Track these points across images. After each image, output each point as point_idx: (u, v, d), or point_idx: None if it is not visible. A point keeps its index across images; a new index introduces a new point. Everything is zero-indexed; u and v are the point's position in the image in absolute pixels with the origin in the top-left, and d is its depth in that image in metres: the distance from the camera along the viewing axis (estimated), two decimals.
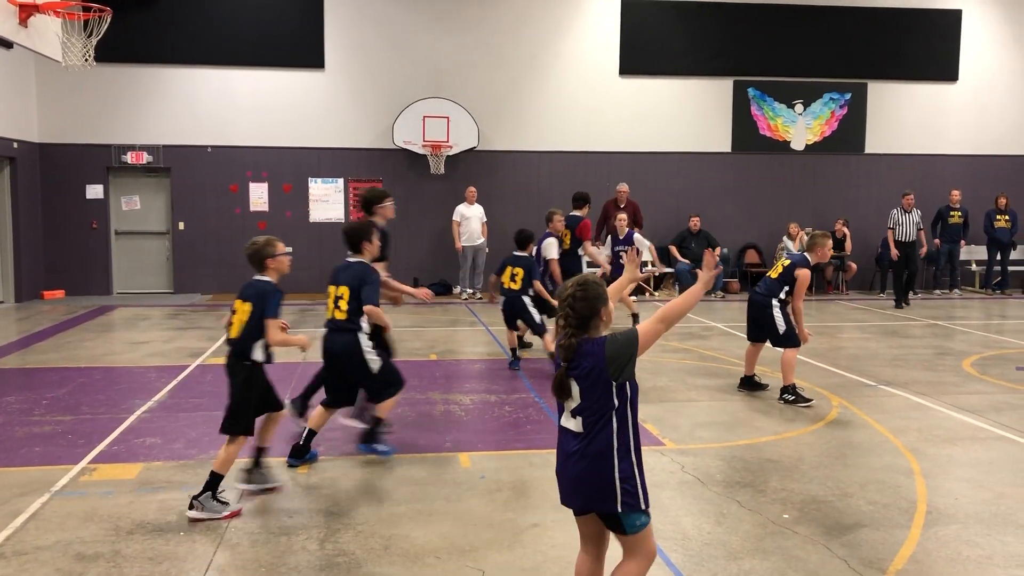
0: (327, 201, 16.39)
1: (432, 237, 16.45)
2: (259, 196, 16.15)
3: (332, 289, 5.88)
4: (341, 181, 16.36)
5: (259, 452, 5.33)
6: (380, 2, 16.14)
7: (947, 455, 6.16)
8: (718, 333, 11.73)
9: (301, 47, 15.98)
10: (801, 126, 17.42)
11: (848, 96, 17.44)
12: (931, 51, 17.49)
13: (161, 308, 14.34)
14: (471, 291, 15.67)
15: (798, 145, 17.46)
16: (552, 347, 8.38)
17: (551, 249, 9.93)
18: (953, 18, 17.46)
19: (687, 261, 16.24)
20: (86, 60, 8.57)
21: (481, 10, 16.38)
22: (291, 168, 16.18)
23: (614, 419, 3.22)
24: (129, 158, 15.74)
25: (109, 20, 8.41)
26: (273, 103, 16.01)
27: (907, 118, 17.59)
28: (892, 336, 11.62)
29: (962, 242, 16.74)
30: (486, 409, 7.50)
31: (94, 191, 15.75)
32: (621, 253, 11.42)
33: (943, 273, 17.17)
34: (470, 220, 15.63)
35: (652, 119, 16.90)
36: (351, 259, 5.95)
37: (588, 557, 3.46)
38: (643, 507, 3.27)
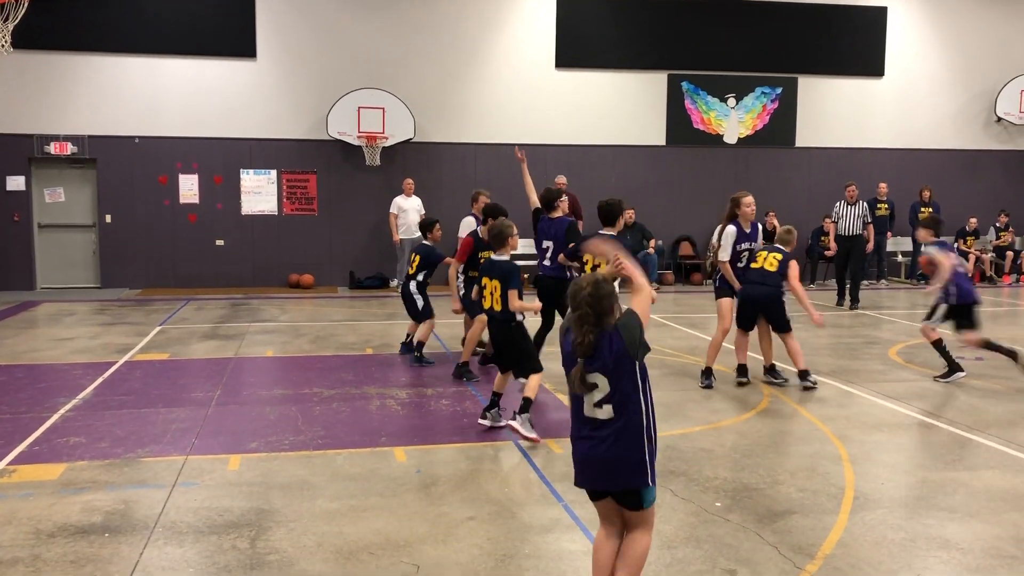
0: (260, 193, 16.09)
1: (368, 229, 16.27)
2: (189, 188, 15.77)
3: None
4: (274, 172, 16.07)
5: (497, 397, 6.50)
6: None
7: (874, 441, 6.32)
8: (652, 324, 11.85)
9: (232, 35, 15.64)
10: (734, 120, 17.69)
11: (779, 90, 17.76)
12: (858, 47, 17.91)
13: (87, 303, 13.92)
14: None
15: (731, 138, 17.73)
16: (424, 336, 8.87)
17: (465, 228, 9.35)
18: (878, 15, 17.90)
19: None
20: (2, 46, 8.23)
21: (415, 1, 16.22)
22: (222, 159, 15.83)
23: (642, 400, 3.45)
24: (52, 148, 15.22)
25: (27, 4, 8.10)
26: (203, 93, 15.64)
27: (835, 112, 17.99)
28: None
29: (888, 234, 17.20)
30: (422, 403, 7.45)
31: (15, 183, 15.19)
32: (744, 254, 8.20)
33: (870, 263, 17.61)
34: (408, 212, 15.49)
35: (588, 112, 16.97)
36: (604, 232, 7.25)
37: (610, 537, 3.59)
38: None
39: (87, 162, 15.46)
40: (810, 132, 17.94)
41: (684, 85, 17.38)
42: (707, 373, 8.15)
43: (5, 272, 15.21)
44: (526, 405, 6.24)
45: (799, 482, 5.39)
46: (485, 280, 6.54)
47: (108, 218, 15.56)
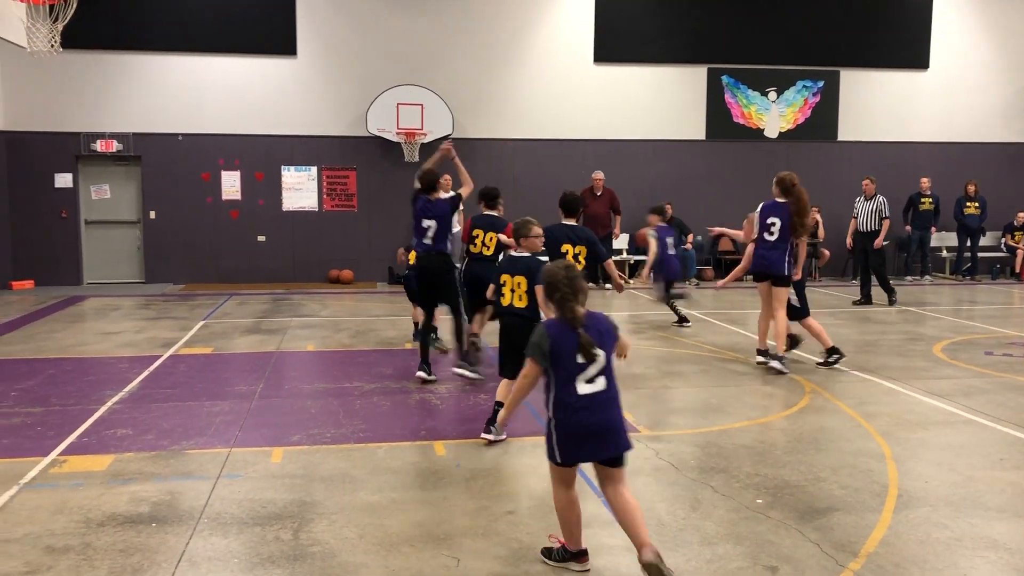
0: (300, 189, 16.27)
1: (405, 225, 16.27)
2: (231, 184, 15.99)
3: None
4: (314, 169, 16.24)
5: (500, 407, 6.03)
6: None
7: (918, 439, 6.23)
8: (693, 320, 11.78)
9: (272, 33, 15.81)
10: (775, 114, 17.50)
11: (821, 84, 17.54)
12: (902, 39, 17.63)
13: (132, 298, 14.18)
14: None
15: (771, 133, 17.55)
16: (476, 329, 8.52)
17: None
18: (923, 5, 17.60)
19: None
20: (52, 46, 8.41)
21: None
22: (263, 156, 16.03)
23: (614, 369, 3.93)
24: (98, 146, 15.53)
25: (75, 5, 8.27)
26: (245, 90, 15.84)
27: (879, 106, 17.73)
28: (864, 322, 11.73)
29: (933, 228, 16.92)
30: (461, 397, 7.49)
31: (63, 180, 15.52)
32: None
33: (914, 259, 17.34)
34: None
35: (627, 107, 16.90)
36: (565, 222, 7.22)
37: (573, 492, 4.08)
38: None
39: (132, 159, 15.75)
40: (853, 126, 17.71)
41: (724, 79, 17.24)
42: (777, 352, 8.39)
43: (54, 267, 15.55)
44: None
45: (841, 479, 5.33)
46: (505, 277, 6.23)
47: (152, 214, 15.84)
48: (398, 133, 15.79)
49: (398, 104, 15.75)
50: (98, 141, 15.52)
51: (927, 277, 17.14)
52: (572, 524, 4.06)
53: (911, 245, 17.06)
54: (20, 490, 5.11)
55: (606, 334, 3.88)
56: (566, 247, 7.16)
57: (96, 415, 6.81)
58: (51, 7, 8.26)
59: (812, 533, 4.50)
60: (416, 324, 9.76)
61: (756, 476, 5.39)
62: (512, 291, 6.19)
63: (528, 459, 5.79)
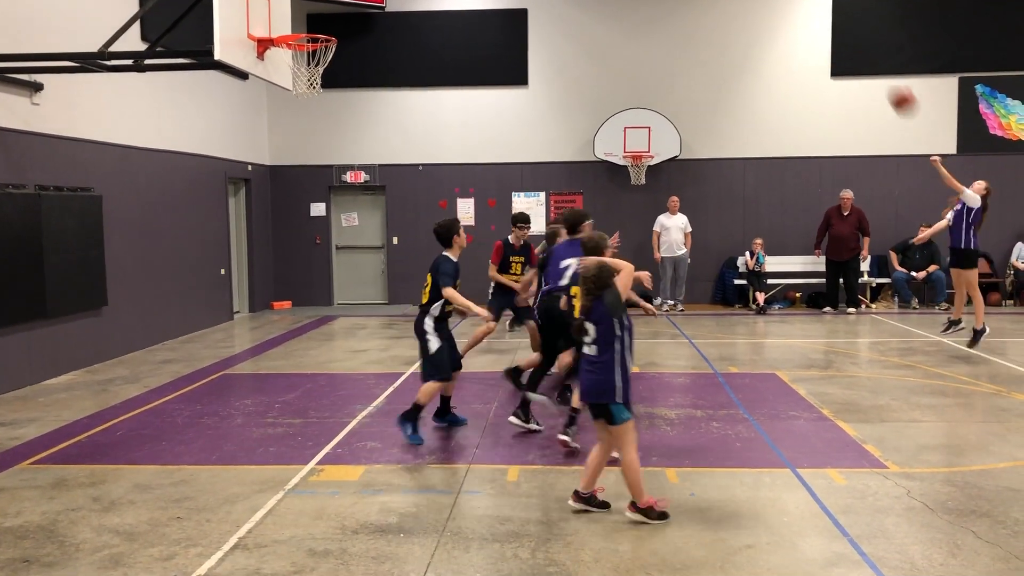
0: (529, 214, 16.67)
1: (633, 248, 16.32)
2: (466, 211, 16.71)
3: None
4: (543, 195, 16.64)
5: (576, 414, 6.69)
6: (581, 16, 16.30)
7: None
8: (940, 349, 10.89)
9: (506, 65, 16.41)
10: None
11: None
12: None
13: (377, 318, 15.14)
14: (671, 303, 15.47)
15: None
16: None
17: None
18: None
19: (904, 270, 15.34)
20: (313, 87, 9.21)
21: (683, 19, 16.17)
22: (495, 183, 16.64)
23: None
24: (348, 177, 16.78)
25: (334, 50, 9.01)
26: (479, 121, 16.53)
27: None
28: None
29: None
30: (692, 424, 7.36)
31: (317, 209, 16.90)
32: None
33: None
34: (670, 230, 15.44)
35: (868, 121, 16.00)
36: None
37: None
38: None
39: (377, 189, 16.87)
40: None
41: (978, 88, 15.90)
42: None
43: (308, 289, 16.92)
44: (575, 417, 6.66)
45: None
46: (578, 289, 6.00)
47: (395, 240, 16.87)
48: (625, 156, 15.86)
49: (625, 128, 15.83)
50: (348, 173, 16.77)
51: None
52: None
53: None
54: (285, 495, 5.60)
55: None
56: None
57: (348, 428, 7.33)
58: (313, 52, 9.06)
59: None
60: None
61: None
62: None
63: (766, 491, 5.59)
